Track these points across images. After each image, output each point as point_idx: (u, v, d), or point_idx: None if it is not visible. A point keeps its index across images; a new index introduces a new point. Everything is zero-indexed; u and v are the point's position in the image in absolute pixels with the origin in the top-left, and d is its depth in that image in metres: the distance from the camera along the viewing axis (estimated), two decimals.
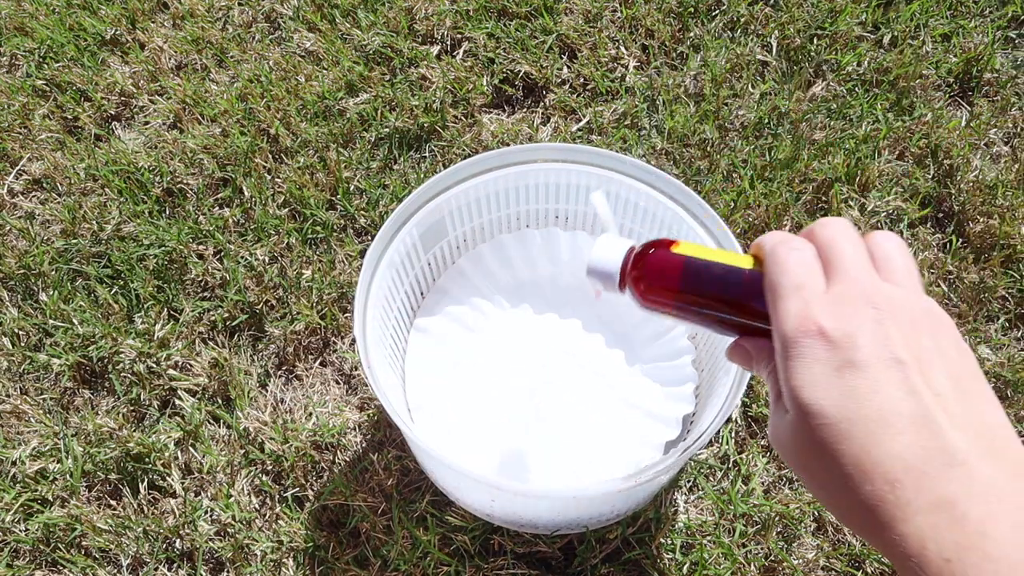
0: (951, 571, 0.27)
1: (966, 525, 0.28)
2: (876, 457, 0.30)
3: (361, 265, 0.69)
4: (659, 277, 0.40)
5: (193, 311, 0.85)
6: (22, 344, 0.86)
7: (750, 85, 0.98)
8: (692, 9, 1.04)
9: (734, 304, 0.38)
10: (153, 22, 1.10)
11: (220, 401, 0.81)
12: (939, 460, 0.29)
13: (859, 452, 0.30)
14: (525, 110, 1.00)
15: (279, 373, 0.83)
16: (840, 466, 0.31)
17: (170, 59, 1.07)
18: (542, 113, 0.99)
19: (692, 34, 1.02)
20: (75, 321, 0.84)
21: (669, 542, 0.72)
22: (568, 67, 1.01)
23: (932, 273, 0.85)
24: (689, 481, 0.75)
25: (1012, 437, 0.31)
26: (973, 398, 0.31)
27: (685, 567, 0.71)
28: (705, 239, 0.67)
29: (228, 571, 0.73)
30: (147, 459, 0.77)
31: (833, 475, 0.31)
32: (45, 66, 1.07)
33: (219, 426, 0.80)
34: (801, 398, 0.32)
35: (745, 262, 0.38)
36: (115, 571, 0.74)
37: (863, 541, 0.72)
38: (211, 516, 0.75)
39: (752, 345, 0.38)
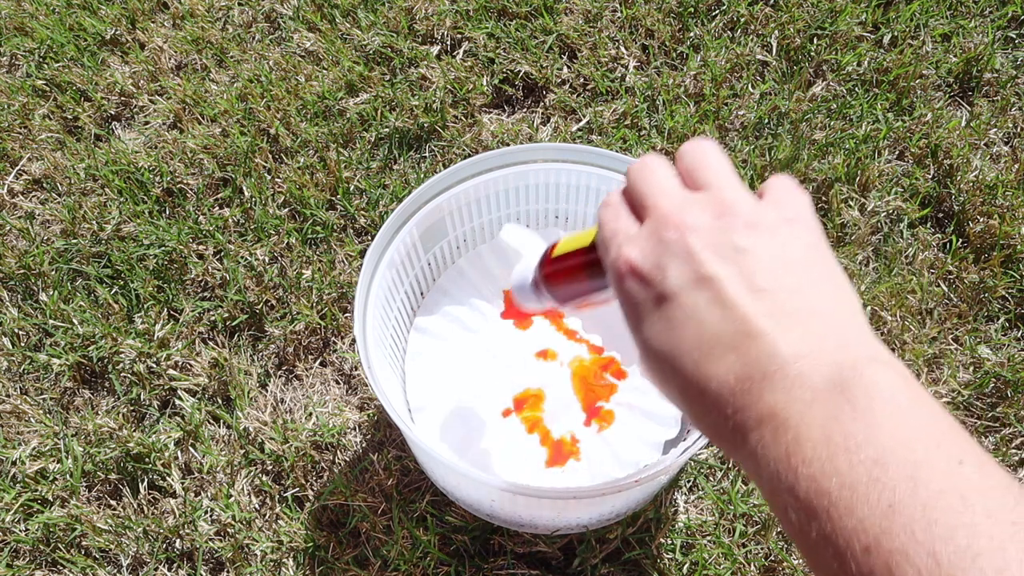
0: (779, 482, 0.27)
1: (786, 433, 0.27)
2: (706, 386, 0.30)
3: (361, 265, 0.69)
4: (549, 280, 0.45)
5: (193, 311, 0.85)
6: (22, 344, 0.86)
7: (750, 85, 0.98)
8: (692, 9, 1.04)
9: (597, 276, 0.41)
10: (153, 22, 1.10)
11: (220, 401, 0.81)
12: (759, 372, 0.29)
13: (691, 384, 0.30)
14: (525, 110, 1.00)
15: (279, 373, 0.83)
16: (685, 399, 0.31)
17: (170, 59, 1.07)
18: (542, 113, 0.99)
19: (692, 34, 1.02)
20: (75, 321, 0.84)
21: (669, 542, 0.72)
22: (568, 67, 1.01)
23: (932, 273, 0.85)
24: (689, 481, 0.75)
25: (839, 319, 0.30)
26: (800, 285, 0.30)
27: (685, 567, 0.71)
28: None
29: (228, 571, 0.73)
30: (147, 459, 0.77)
31: (685, 407, 0.32)
32: (45, 66, 1.07)
33: (219, 426, 0.80)
34: (635, 339, 0.33)
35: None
36: (115, 571, 0.74)
37: None
38: (211, 516, 0.75)
39: None
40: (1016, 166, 0.90)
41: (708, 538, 0.72)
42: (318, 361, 0.83)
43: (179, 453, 0.78)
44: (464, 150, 0.95)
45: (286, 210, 0.92)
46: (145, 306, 0.86)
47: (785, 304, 0.29)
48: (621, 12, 1.05)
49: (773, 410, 0.28)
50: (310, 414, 0.79)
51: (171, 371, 0.82)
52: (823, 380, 0.27)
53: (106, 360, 0.83)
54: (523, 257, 0.50)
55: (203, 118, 1.00)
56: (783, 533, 0.73)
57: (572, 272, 0.42)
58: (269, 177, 0.94)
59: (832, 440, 0.26)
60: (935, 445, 0.26)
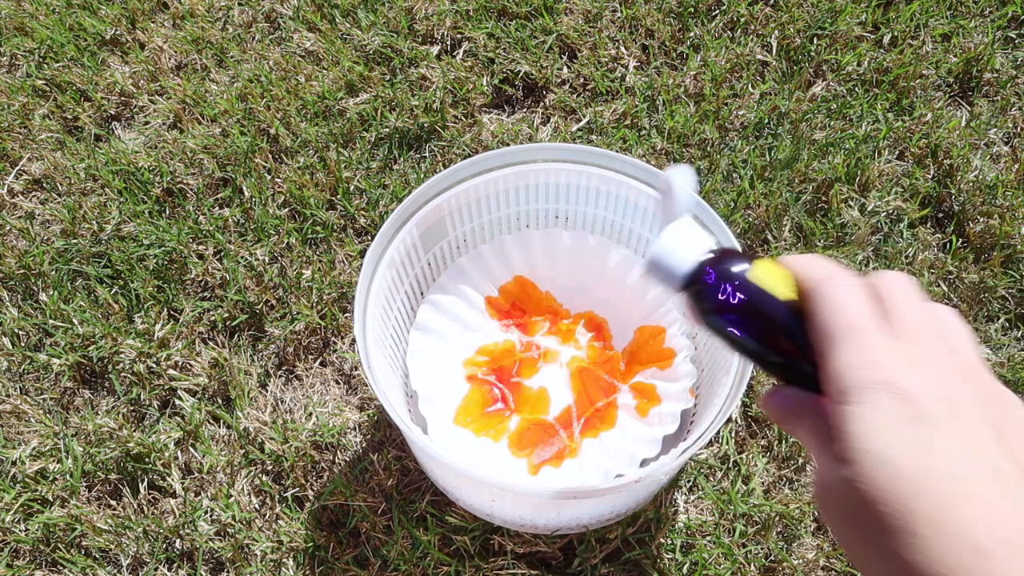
0: None
1: None
2: (957, 520, 0.26)
3: (361, 265, 0.69)
4: (713, 307, 0.36)
5: (193, 311, 0.85)
6: (22, 344, 0.86)
7: (750, 85, 0.98)
8: (692, 9, 1.04)
9: (780, 344, 0.34)
10: (153, 22, 1.10)
11: (220, 401, 0.81)
12: None
13: (936, 512, 0.26)
14: (525, 110, 1.00)
15: (279, 373, 0.83)
16: (910, 527, 0.26)
17: (170, 59, 1.07)
18: (542, 113, 0.99)
19: (692, 34, 1.02)
20: (75, 321, 0.84)
21: (669, 542, 0.72)
22: (568, 67, 1.01)
23: (932, 273, 0.85)
24: (689, 481, 0.75)
25: None
26: None
27: (685, 567, 0.71)
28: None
29: (228, 571, 0.73)
30: (147, 459, 0.77)
31: (898, 538, 0.27)
32: (45, 66, 1.07)
33: (219, 426, 0.80)
34: (866, 446, 0.28)
35: (786, 289, 0.34)
36: (115, 571, 0.74)
37: None
38: (211, 516, 0.75)
39: (794, 394, 0.34)
40: (1016, 166, 0.90)
41: (708, 538, 0.72)
42: (318, 361, 0.83)
43: (179, 453, 0.78)
44: (464, 150, 0.95)
45: (286, 210, 0.92)
46: (145, 306, 0.86)
47: None
48: (621, 12, 1.05)
49: None
50: (310, 414, 0.79)
51: (171, 371, 0.82)
52: None
53: (106, 360, 0.83)
54: (683, 231, 0.40)
55: (203, 118, 1.00)
56: (783, 533, 0.73)
57: (761, 318, 0.34)
58: (269, 177, 0.94)
59: None
60: None
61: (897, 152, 0.94)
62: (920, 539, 0.26)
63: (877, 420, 0.28)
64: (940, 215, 0.91)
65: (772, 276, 0.35)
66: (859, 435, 0.28)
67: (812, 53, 1.00)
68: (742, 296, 0.35)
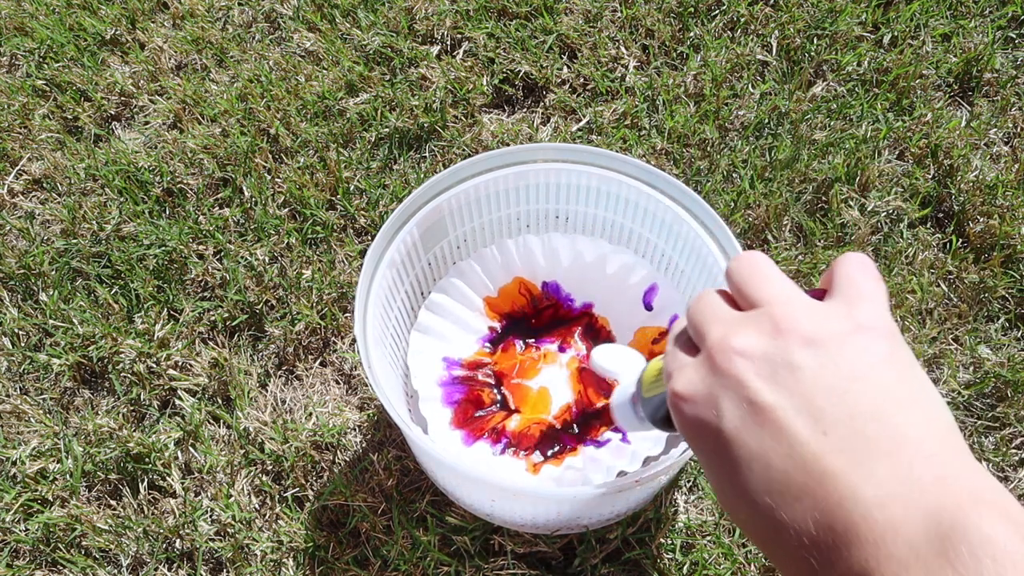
0: None
1: None
2: (783, 534, 0.26)
3: (361, 265, 0.69)
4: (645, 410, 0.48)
5: (193, 311, 0.85)
6: (22, 344, 0.86)
7: (750, 85, 0.98)
8: (692, 9, 1.04)
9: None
10: (153, 22, 1.10)
11: (220, 401, 0.81)
12: (841, 521, 0.25)
13: (768, 531, 0.27)
14: (525, 110, 1.00)
15: (279, 373, 0.83)
16: (765, 547, 0.28)
17: (170, 59, 1.07)
18: (542, 113, 0.99)
19: (692, 34, 1.02)
20: (75, 321, 0.84)
21: (669, 542, 0.72)
22: (568, 67, 1.01)
23: (932, 273, 0.85)
24: (689, 481, 0.75)
25: (931, 445, 0.26)
26: (879, 407, 0.26)
27: (685, 567, 0.71)
28: (705, 239, 0.67)
29: (228, 571, 0.73)
30: (147, 459, 0.77)
31: (767, 554, 0.29)
32: (45, 66, 1.07)
33: (219, 426, 0.80)
34: (708, 480, 0.33)
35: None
36: (115, 571, 0.74)
37: None
38: (211, 516, 0.75)
39: None
40: (1016, 166, 0.90)
41: (708, 538, 0.72)
42: (318, 361, 0.83)
43: (179, 453, 0.78)
44: (464, 150, 0.95)
45: (286, 210, 0.92)
46: (145, 306, 0.86)
47: (861, 433, 0.26)
48: (621, 12, 1.05)
49: (864, 570, 0.24)
50: (310, 414, 0.79)
51: (171, 371, 0.82)
52: (920, 533, 0.24)
53: (106, 360, 0.83)
54: (620, 381, 0.52)
55: (203, 118, 1.00)
56: None
57: (660, 406, 0.45)
58: (269, 177, 0.94)
59: None
60: None
61: (897, 152, 0.94)
62: (771, 551, 0.29)
63: (698, 449, 0.31)
64: (940, 215, 0.91)
65: (653, 369, 0.46)
66: (704, 471, 0.32)
67: (812, 53, 1.00)
68: (642, 400, 0.47)
